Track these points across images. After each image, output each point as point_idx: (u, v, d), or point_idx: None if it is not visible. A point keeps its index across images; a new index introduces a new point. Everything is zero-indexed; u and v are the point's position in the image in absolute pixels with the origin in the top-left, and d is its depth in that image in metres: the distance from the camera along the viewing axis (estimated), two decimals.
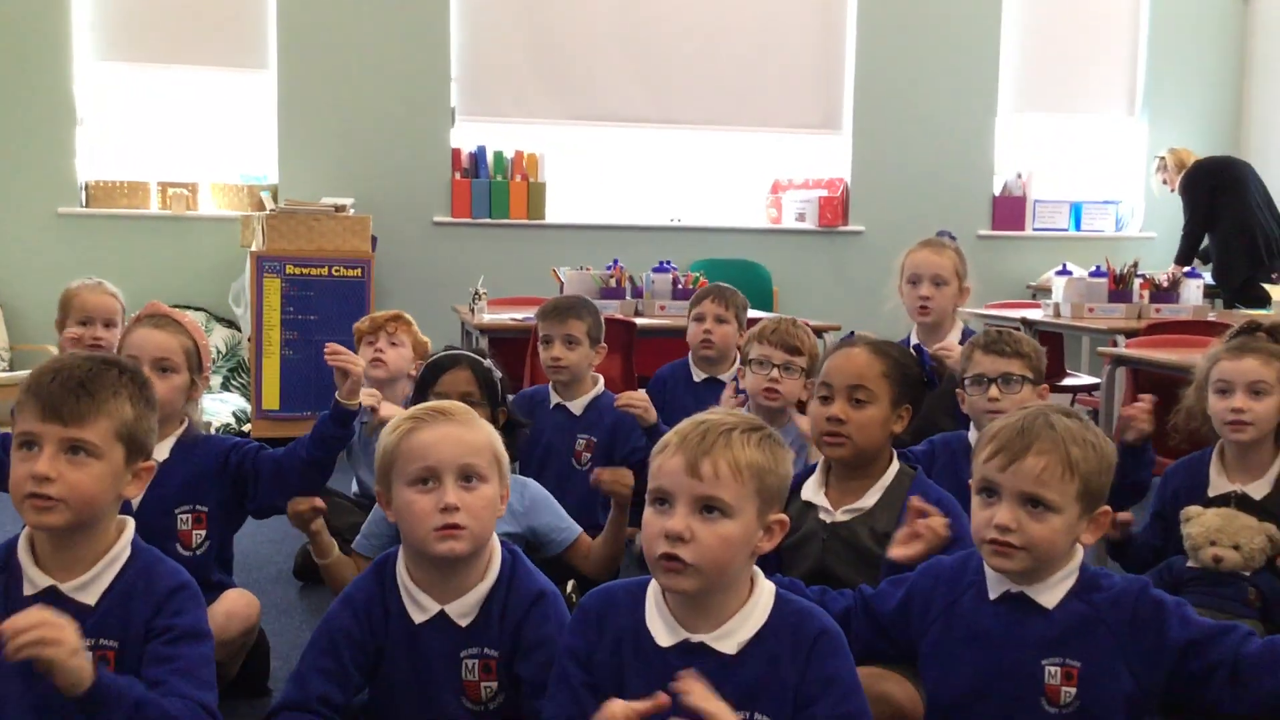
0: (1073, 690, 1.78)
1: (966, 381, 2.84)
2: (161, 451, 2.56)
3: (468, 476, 1.86)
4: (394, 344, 3.69)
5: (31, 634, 1.53)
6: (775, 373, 3.13)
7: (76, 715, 1.66)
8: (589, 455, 3.53)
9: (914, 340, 3.51)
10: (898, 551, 2.06)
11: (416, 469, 1.86)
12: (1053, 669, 1.79)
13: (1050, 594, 1.81)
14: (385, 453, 1.90)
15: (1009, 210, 7.36)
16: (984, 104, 7.25)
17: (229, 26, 6.44)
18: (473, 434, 1.90)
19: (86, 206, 6.34)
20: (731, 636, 1.63)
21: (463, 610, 1.90)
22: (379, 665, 1.93)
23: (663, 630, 1.65)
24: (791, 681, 1.60)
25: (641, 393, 3.26)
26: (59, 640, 1.55)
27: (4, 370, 5.58)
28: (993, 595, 1.84)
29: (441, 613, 1.90)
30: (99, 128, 6.41)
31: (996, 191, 7.37)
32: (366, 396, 2.94)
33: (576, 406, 3.56)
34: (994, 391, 2.77)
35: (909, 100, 7.10)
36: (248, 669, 2.60)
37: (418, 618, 1.91)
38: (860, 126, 7.11)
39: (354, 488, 3.83)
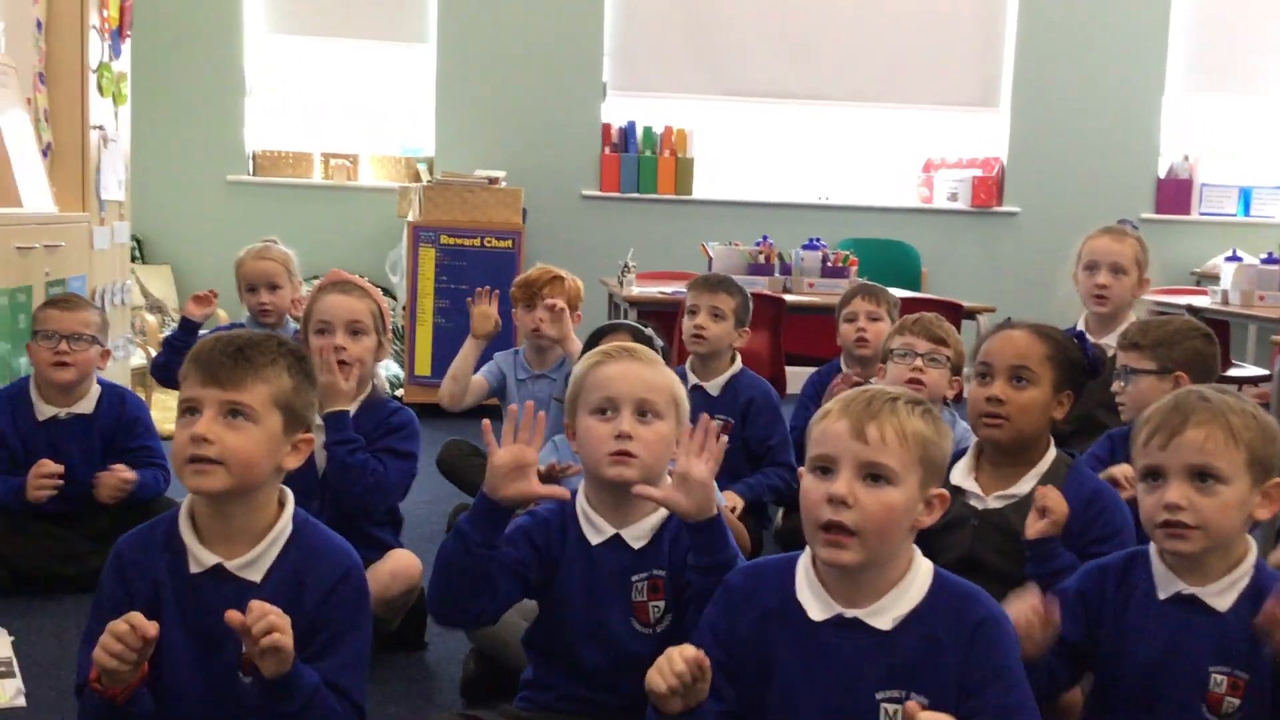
0: (1236, 700, 1.72)
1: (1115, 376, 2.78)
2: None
3: (644, 411, 1.94)
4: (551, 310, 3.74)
5: (265, 621, 1.60)
6: (919, 362, 3.02)
7: (249, 695, 1.72)
8: (726, 436, 3.52)
9: (1080, 328, 3.42)
10: (1035, 529, 2.13)
11: (597, 399, 1.95)
12: (1219, 677, 1.73)
13: (1223, 597, 1.74)
14: (574, 384, 2.01)
15: (1174, 194, 7.08)
16: (1151, 83, 6.98)
17: (392, 0, 6.61)
18: (653, 373, 1.98)
19: (254, 175, 6.61)
20: (887, 612, 1.60)
21: (637, 534, 1.97)
22: (552, 583, 1.99)
23: (814, 604, 1.63)
24: (953, 666, 1.57)
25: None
26: (286, 629, 1.62)
27: (174, 328, 5.85)
28: (1162, 595, 1.78)
29: (617, 535, 1.98)
30: (267, 99, 6.66)
31: (1162, 174, 7.10)
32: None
33: (714, 387, 3.53)
34: (1115, 385, 2.72)
35: (1072, 77, 6.89)
36: (406, 624, 2.71)
37: (594, 539, 1.98)
38: (1019, 104, 6.92)
39: None
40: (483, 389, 3.74)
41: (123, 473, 3.11)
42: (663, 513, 1.98)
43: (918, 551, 1.67)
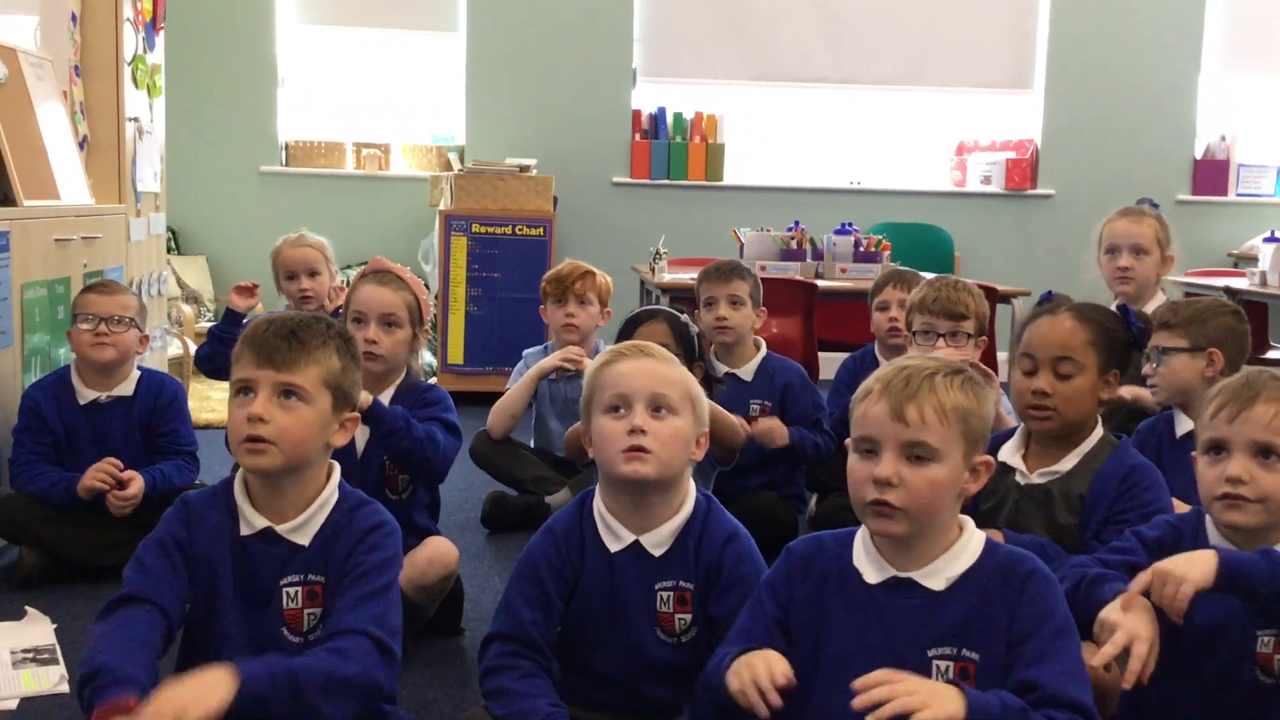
0: None
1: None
2: (382, 402, 2.66)
3: (658, 407, 1.92)
4: (583, 304, 3.74)
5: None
6: (941, 342, 3.01)
7: (293, 651, 1.78)
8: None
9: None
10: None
11: (611, 396, 1.94)
12: (1266, 638, 1.74)
13: None
14: (587, 384, 2.00)
15: (1211, 174, 7.00)
16: (1187, 62, 6.90)
17: None
18: (667, 369, 1.96)
19: (286, 165, 6.64)
20: (940, 574, 1.63)
21: (657, 541, 1.95)
22: (575, 594, 1.98)
23: (870, 568, 1.67)
24: (1003, 621, 1.60)
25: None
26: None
27: (210, 321, 5.89)
28: None
29: (636, 542, 1.96)
30: (299, 89, 6.69)
31: (1198, 155, 7.02)
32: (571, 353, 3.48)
33: (746, 372, 3.53)
34: (1146, 368, 2.70)
35: (1107, 57, 6.81)
36: (443, 611, 2.71)
37: (613, 546, 1.96)
38: (1053, 85, 6.86)
39: (533, 441, 3.92)
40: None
41: (129, 487, 3.03)
42: (682, 518, 1.97)
43: (970, 522, 1.69)
